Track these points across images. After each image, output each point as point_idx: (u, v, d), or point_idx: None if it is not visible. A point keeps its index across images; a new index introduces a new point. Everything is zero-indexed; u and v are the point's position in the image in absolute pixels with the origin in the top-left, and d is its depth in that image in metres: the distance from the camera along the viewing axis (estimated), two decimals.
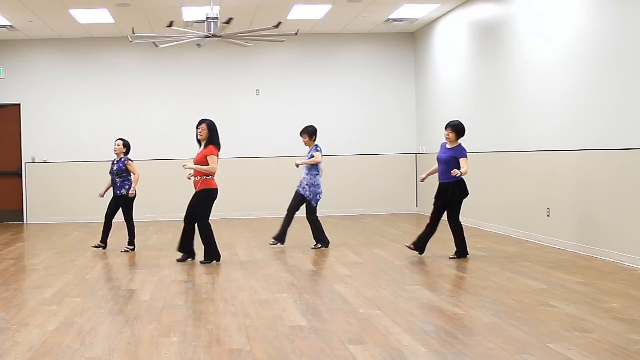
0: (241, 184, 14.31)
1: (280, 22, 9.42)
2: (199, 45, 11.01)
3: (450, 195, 8.25)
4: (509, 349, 4.58)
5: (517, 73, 10.10)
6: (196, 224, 8.45)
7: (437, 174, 8.51)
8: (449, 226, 8.34)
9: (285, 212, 9.60)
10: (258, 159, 14.39)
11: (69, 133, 14.29)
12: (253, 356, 4.56)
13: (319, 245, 9.49)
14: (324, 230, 9.58)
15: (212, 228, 8.48)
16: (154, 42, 10.70)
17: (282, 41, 10.40)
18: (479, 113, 11.48)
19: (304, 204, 9.44)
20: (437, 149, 13.62)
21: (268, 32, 10.15)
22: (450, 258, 8.28)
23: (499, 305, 5.82)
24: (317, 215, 9.51)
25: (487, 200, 11.14)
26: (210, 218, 8.43)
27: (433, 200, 8.49)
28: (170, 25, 9.43)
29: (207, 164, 8.26)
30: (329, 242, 9.55)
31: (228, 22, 9.17)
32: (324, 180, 9.84)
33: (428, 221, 8.47)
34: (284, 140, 14.31)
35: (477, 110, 11.56)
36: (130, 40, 10.41)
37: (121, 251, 9.53)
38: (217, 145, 8.37)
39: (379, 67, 14.77)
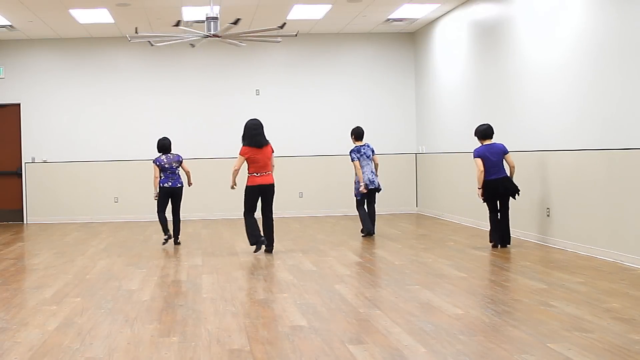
0: (241, 184, 14.29)
1: (285, 23, 9.43)
2: (192, 45, 11.00)
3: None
4: (509, 349, 4.57)
5: (517, 73, 10.10)
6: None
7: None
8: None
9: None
10: None
11: (69, 133, 14.29)
12: (253, 356, 4.56)
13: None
14: (366, 219, 10.44)
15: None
16: (149, 41, 10.67)
17: (279, 41, 10.41)
18: (478, 113, 11.47)
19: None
20: (437, 149, 13.63)
21: (267, 32, 10.14)
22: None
23: (499, 305, 5.82)
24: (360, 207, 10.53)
25: None
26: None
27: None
28: (177, 24, 9.44)
29: None
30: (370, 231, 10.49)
31: (235, 22, 9.18)
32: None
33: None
34: (284, 140, 14.28)
35: (477, 110, 11.55)
36: (129, 39, 10.40)
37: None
38: (243, 143, 9.48)
39: (379, 67, 14.76)
